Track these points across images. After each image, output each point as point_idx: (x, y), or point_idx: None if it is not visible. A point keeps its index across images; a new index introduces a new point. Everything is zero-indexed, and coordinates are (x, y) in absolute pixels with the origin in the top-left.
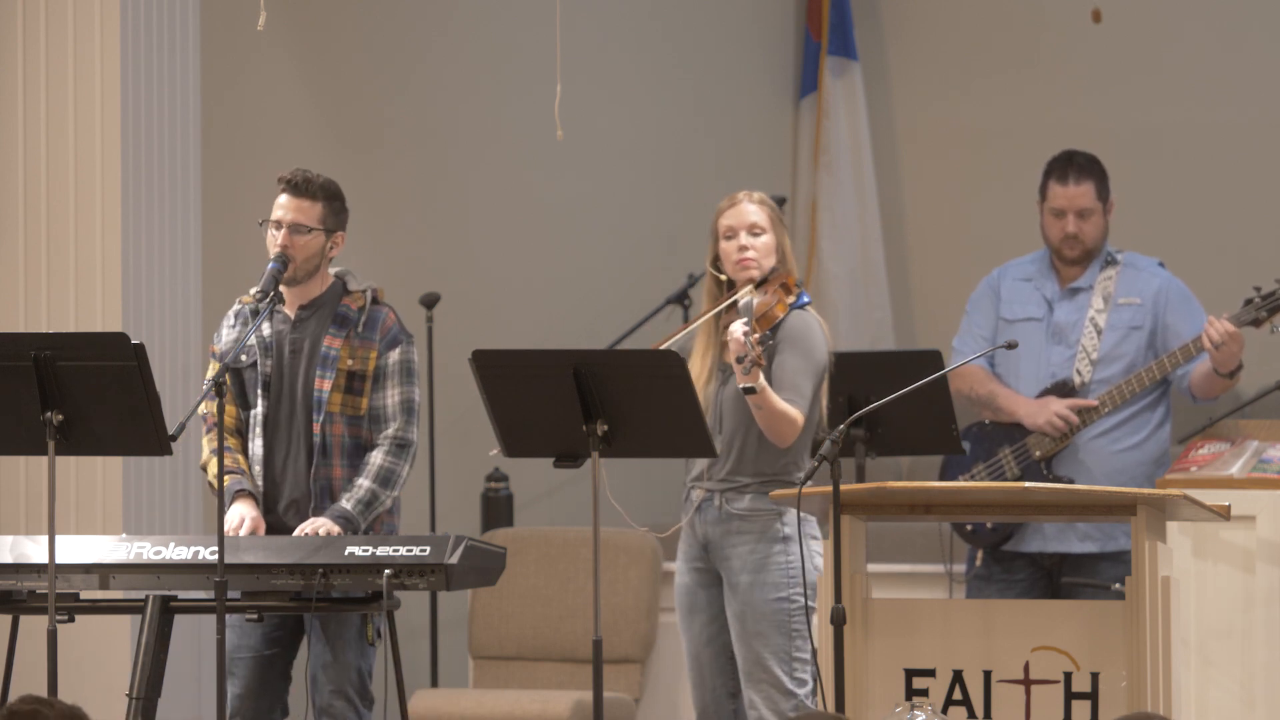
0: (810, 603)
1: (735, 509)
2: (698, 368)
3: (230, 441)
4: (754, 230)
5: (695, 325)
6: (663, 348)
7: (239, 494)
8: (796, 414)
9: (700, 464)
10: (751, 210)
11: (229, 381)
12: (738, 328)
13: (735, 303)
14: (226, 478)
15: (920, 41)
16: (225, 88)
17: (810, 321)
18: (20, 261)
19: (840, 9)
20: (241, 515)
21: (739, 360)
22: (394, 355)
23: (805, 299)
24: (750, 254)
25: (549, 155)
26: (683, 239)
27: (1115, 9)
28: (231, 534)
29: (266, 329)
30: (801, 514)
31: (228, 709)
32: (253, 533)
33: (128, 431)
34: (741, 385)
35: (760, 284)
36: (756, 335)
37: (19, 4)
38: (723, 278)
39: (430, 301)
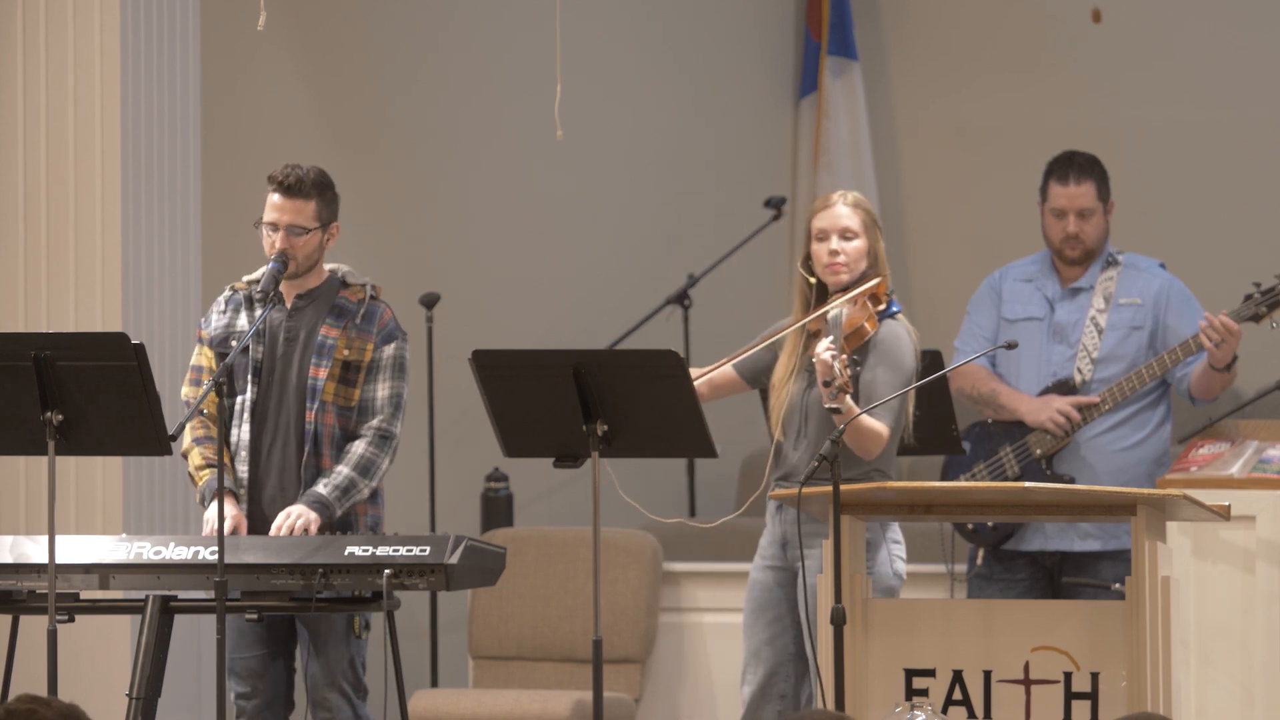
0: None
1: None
2: (783, 367)
3: (214, 430)
4: (846, 234)
5: (783, 334)
6: (751, 354)
7: (217, 492)
8: (881, 428)
9: (788, 460)
10: (845, 213)
11: (215, 365)
12: (824, 349)
13: (824, 311)
14: (206, 473)
15: (920, 41)
16: (225, 88)
17: (900, 332)
18: (20, 261)
19: (840, 9)
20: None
21: (826, 384)
22: (389, 350)
23: (896, 307)
24: (841, 259)
25: (549, 155)
26: (683, 239)
27: (1115, 8)
28: (212, 533)
29: (259, 314)
30: (884, 520)
31: (233, 710)
32: (234, 531)
33: (128, 431)
34: (827, 406)
35: (851, 289)
36: (844, 358)
37: (19, 4)
38: (812, 280)
39: (430, 301)
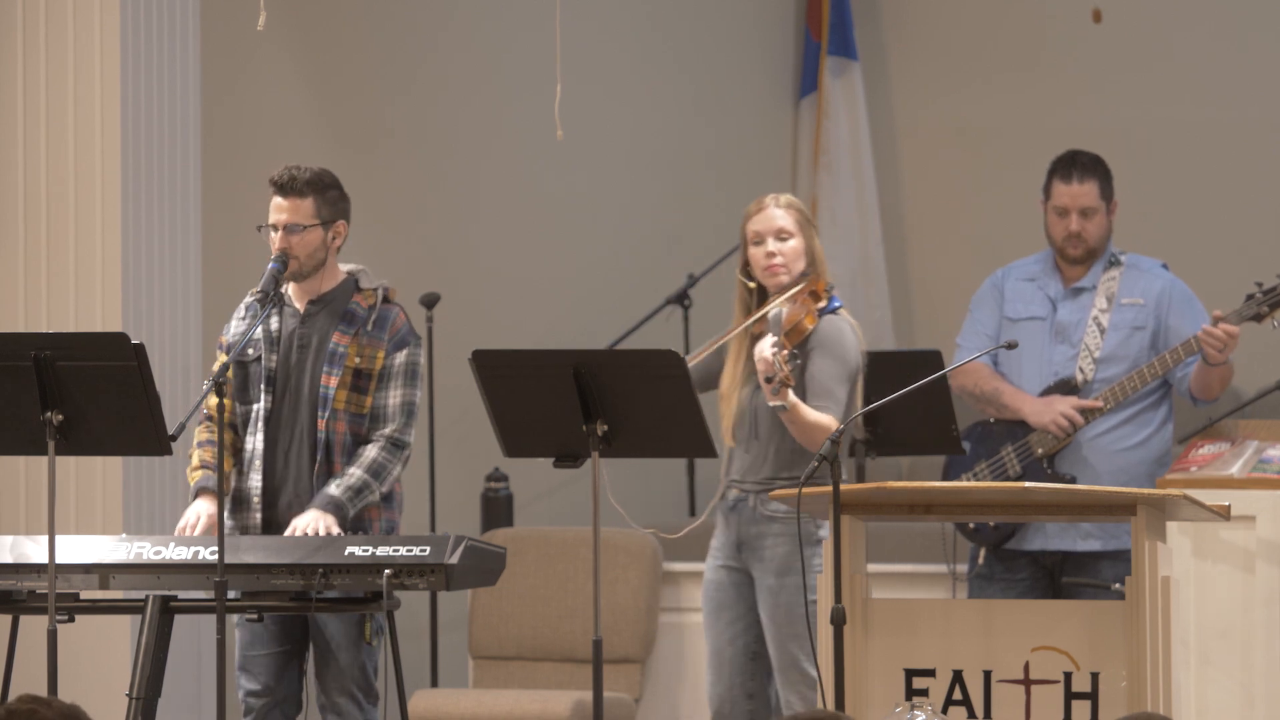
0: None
1: (770, 510)
2: (730, 375)
3: (229, 436)
4: (781, 235)
5: (726, 339)
6: (703, 359)
7: (201, 491)
8: (829, 420)
9: (738, 464)
10: (779, 215)
11: (231, 375)
12: (766, 346)
13: (765, 312)
14: (200, 471)
15: (920, 41)
16: (225, 88)
17: (842, 325)
18: (20, 261)
19: (840, 9)
20: (199, 513)
21: (767, 380)
22: (400, 356)
23: (836, 303)
24: (778, 260)
25: (549, 155)
26: (683, 239)
27: (1115, 8)
28: (189, 531)
29: (274, 323)
30: (812, 515)
31: (241, 707)
32: (207, 531)
33: (128, 431)
34: (771, 404)
35: (790, 289)
36: (784, 353)
37: (19, 4)
38: (752, 285)
39: (430, 301)
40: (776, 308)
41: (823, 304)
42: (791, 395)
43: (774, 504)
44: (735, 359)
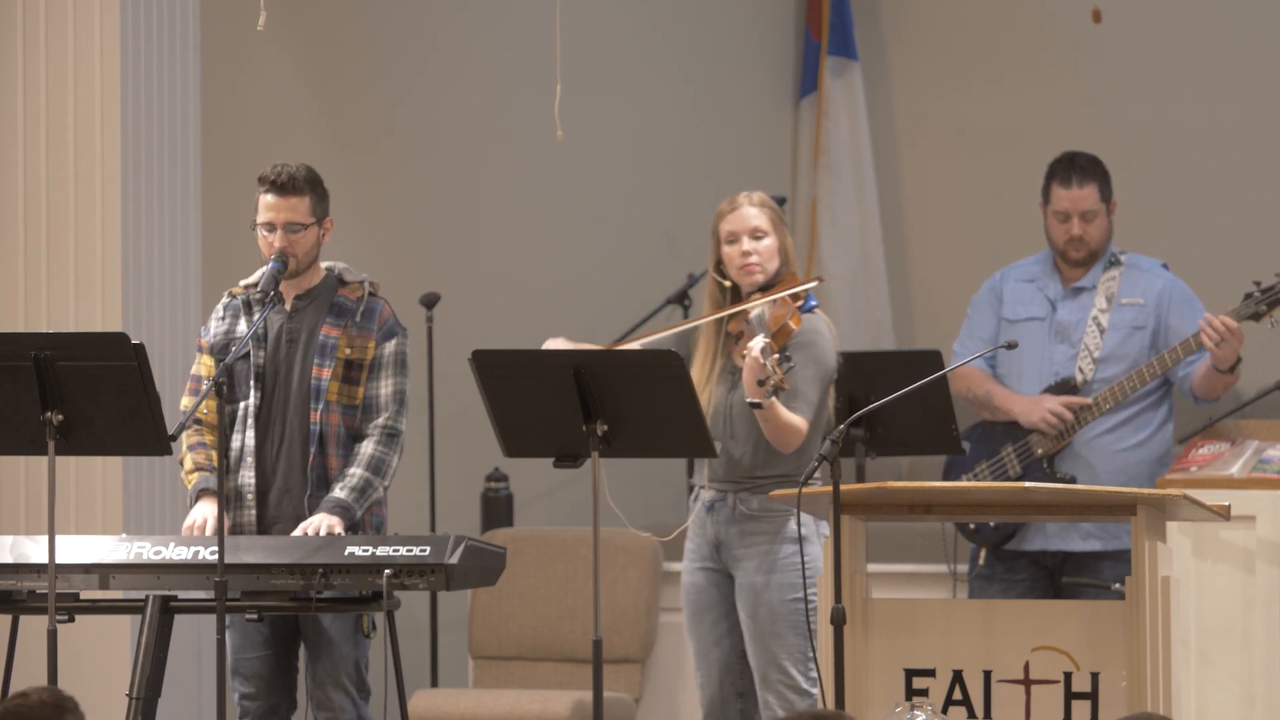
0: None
1: (749, 509)
2: (701, 371)
3: (207, 437)
4: (756, 234)
5: (692, 325)
6: (656, 343)
7: (203, 493)
8: (801, 422)
9: (711, 465)
10: (752, 214)
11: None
12: (758, 347)
13: (743, 311)
14: (197, 474)
15: (920, 41)
16: (225, 88)
17: (819, 326)
18: (20, 261)
19: (840, 9)
20: (204, 515)
21: (760, 383)
22: (390, 346)
23: (812, 302)
24: (754, 259)
25: (549, 156)
26: (683, 239)
27: (1116, 9)
28: (197, 533)
29: (258, 316)
30: (812, 515)
31: (237, 710)
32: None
33: (128, 431)
34: (749, 400)
35: (766, 288)
36: (776, 356)
37: (19, 4)
38: (726, 283)
39: (430, 301)
40: (759, 308)
41: (800, 303)
42: (772, 397)
43: (754, 502)
44: (705, 356)
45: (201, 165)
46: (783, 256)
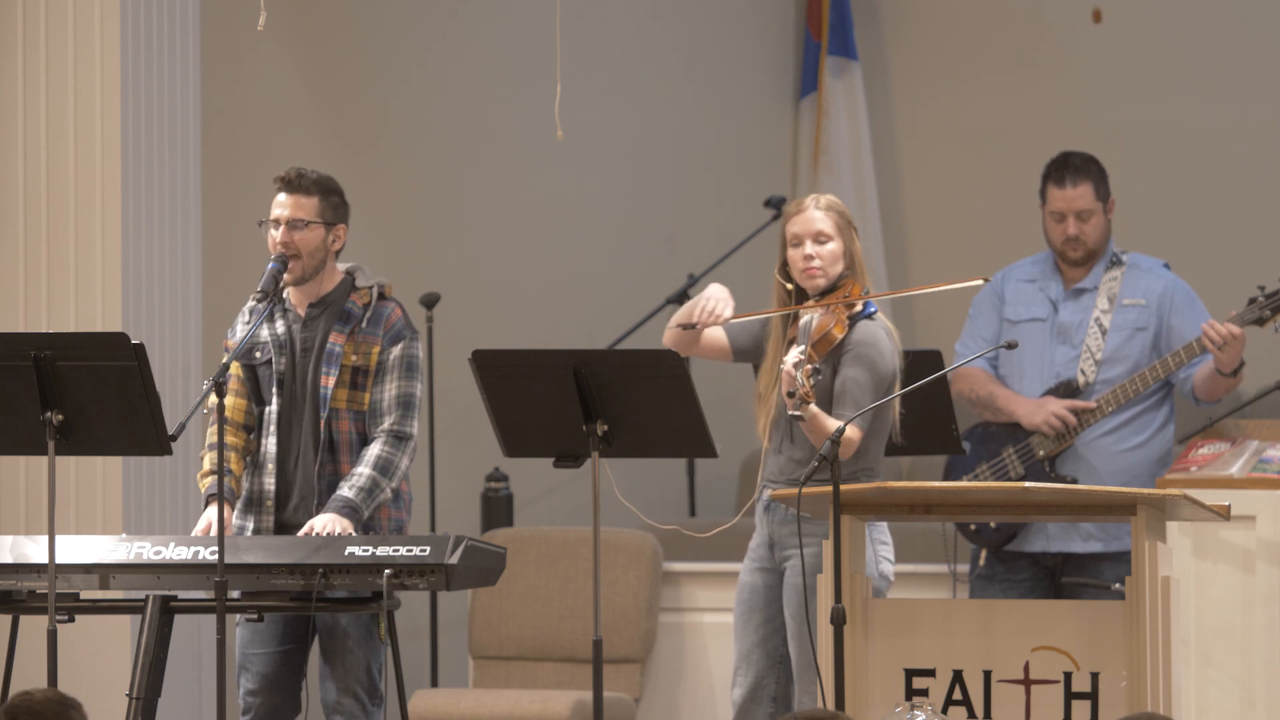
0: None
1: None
2: (767, 375)
3: (240, 438)
4: (820, 238)
5: (767, 316)
6: (748, 324)
7: (212, 497)
8: (849, 432)
9: (773, 465)
10: (818, 217)
11: (244, 377)
12: (791, 360)
13: (797, 317)
14: (210, 478)
15: (920, 41)
16: (225, 88)
17: (877, 332)
18: (20, 261)
19: (840, 9)
20: (210, 520)
21: (789, 395)
22: (396, 350)
23: (872, 308)
24: (816, 263)
25: (549, 155)
26: (683, 239)
27: (1115, 8)
28: (202, 534)
29: (280, 326)
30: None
31: (241, 705)
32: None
33: (128, 431)
34: (790, 414)
35: (826, 293)
36: (808, 368)
37: (19, 4)
38: (790, 286)
39: (430, 301)
40: (809, 316)
41: (857, 310)
42: (812, 408)
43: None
44: (773, 361)
45: (201, 165)
46: (847, 261)
